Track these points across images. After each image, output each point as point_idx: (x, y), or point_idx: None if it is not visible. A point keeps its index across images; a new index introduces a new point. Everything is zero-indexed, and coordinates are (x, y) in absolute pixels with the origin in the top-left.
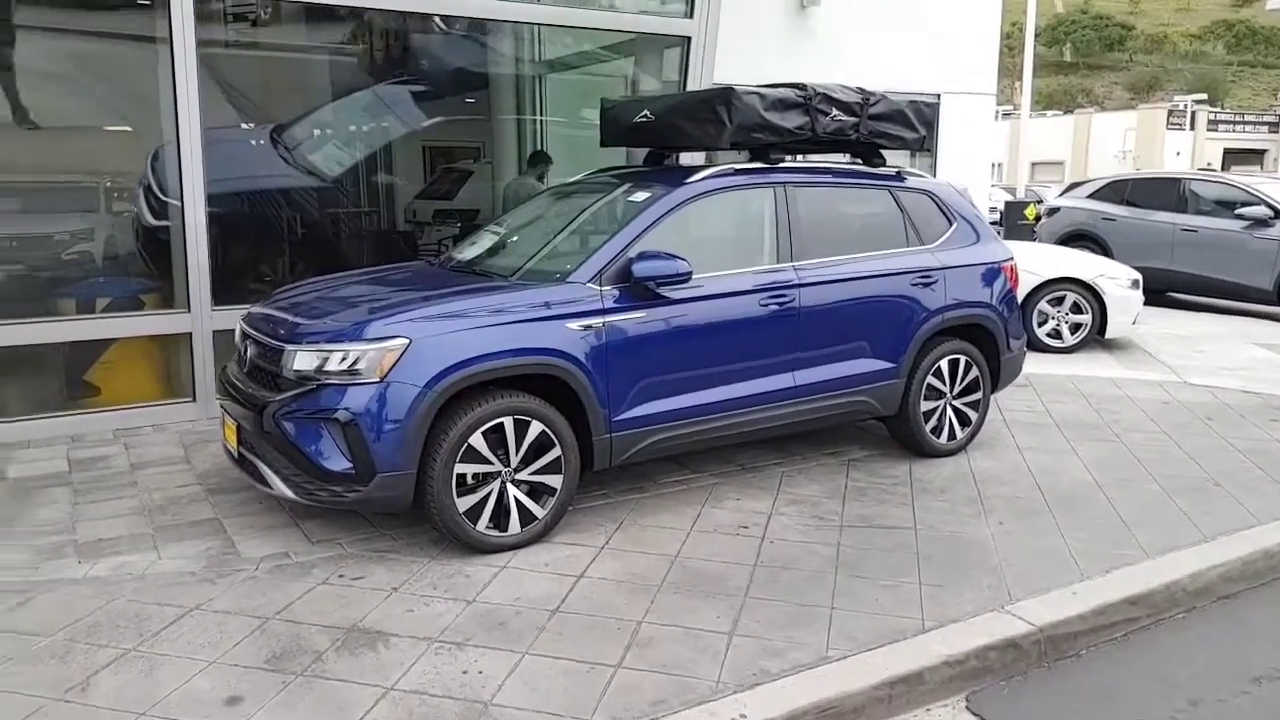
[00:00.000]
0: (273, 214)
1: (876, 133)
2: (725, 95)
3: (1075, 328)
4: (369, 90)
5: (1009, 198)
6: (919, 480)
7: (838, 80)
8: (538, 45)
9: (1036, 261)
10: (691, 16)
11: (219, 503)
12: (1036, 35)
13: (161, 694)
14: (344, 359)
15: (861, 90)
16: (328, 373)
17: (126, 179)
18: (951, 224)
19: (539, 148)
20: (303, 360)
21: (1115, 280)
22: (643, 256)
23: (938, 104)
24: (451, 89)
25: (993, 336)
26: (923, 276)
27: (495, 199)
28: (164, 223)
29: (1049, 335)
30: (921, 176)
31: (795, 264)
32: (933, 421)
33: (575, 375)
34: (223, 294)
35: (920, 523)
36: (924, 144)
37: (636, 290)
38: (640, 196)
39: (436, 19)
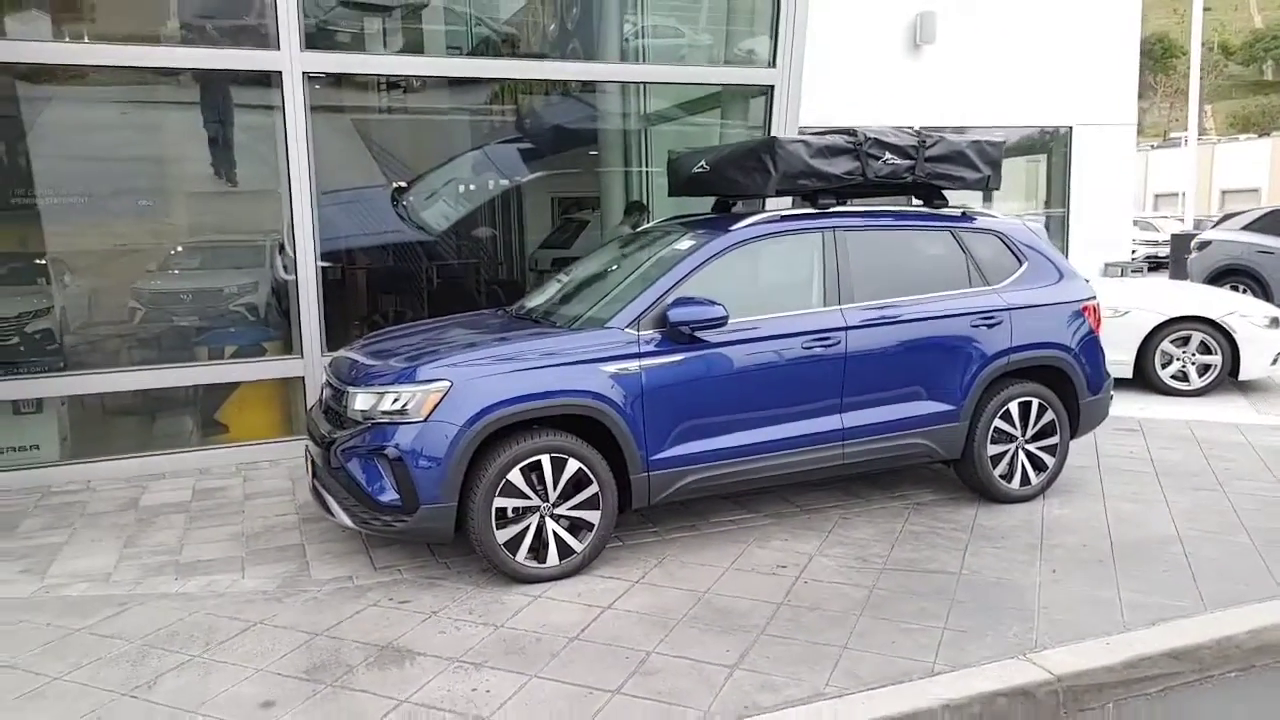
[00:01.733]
0: (401, 266)
1: (936, 174)
2: (770, 145)
3: (1204, 369)
4: (495, 147)
5: (1180, 229)
6: (981, 526)
7: (956, 117)
8: (642, 100)
9: (1158, 299)
10: (774, 66)
11: (308, 531)
12: (1230, 54)
13: (210, 695)
14: (395, 400)
15: (919, 132)
16: (382, 412)
17: (271, 238)
18: (1022, 263)
19: (636, 198)
20: (361, 401)
21: (1248, 318)
22: (678, 302)
23: (1002, 143)
24: (571, 144)
25: (1069, 379)
26: (984, 317)
27: None
28: (290, 277)
29: (1173, 377)
30: (991, 216)
31: (843, 307)
32: (1002, 466)
33: (610, 416)
34: (341, 341)
35: (966, 568)
36: (988, 183)
37: (673, 335)
38: (685, 245)
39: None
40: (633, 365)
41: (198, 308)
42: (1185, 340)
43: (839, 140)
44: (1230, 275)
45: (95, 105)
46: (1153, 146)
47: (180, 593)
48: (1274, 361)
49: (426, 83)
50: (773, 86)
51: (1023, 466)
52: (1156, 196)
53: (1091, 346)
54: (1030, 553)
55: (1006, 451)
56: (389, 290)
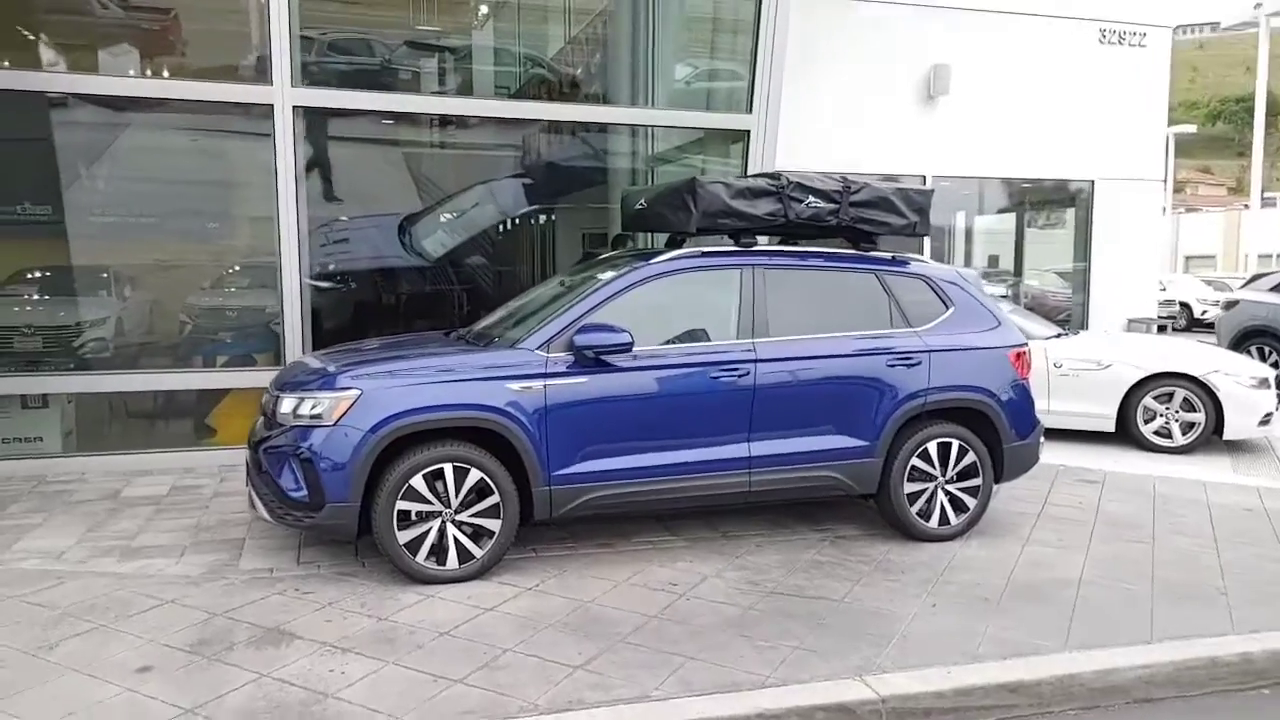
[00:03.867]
0: (432, 289)
1: (860, 219)
2: (690, 185)
3: (1188, 427)
4: (504, 183)
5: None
6: (889, 561)
7: (970, 168)
8: (649, 141)
9: (1141, 354)
10: (750, 112)
11: (254, 528)
12: None
13: (99, 659)
14: (313, 405)
15: (844, 179)
16: (300, 416)
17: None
18: (948, 308)
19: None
20: (286, 405)
21: (1233, 377)
22: (585, 328)
23: (931, 192)
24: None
25: (990, 422)
26: (901, 357)
27: None
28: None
29: (1156, 433)
30: (922, 261)
31: (755, 340)
32: (920, 504)
33: (512, 430)
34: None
35: (851, 596)
36: (915, 229)
37: (581, 358)
38: (608, 275)
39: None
40: (537, 384)
41: (240, 323)
42: (1170, 396)
43: (761, 182)
44: (1256, 336)
45: (164, 132)
46: (1183, 210)
47: (115, 572)
48: (1262, 422)
49: (467, 121)
50: (749, 131)
51: (942, 506)
52: (1187, 259)
53: (1017, 392)
54: (922, 587)
55: (925, 490)
56: (423, 315)
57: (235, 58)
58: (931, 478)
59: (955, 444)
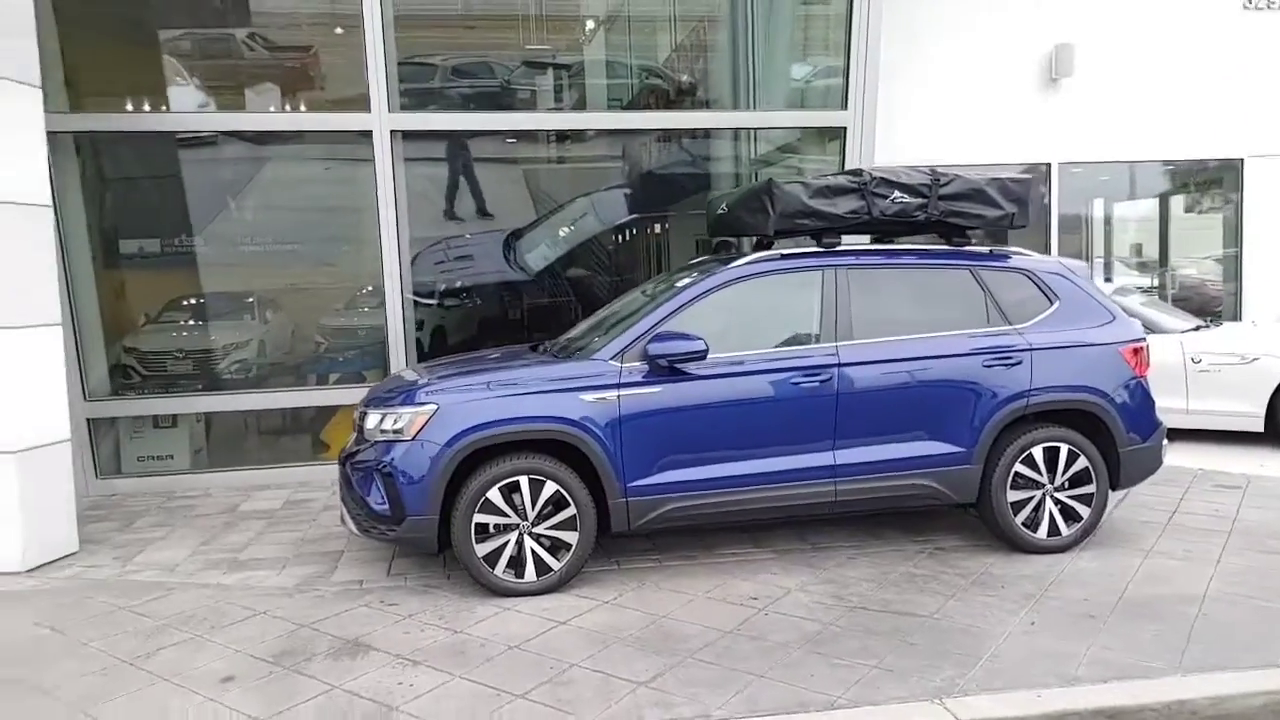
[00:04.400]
0: (499, 301)
1: (951, 212)
2: (767, 186)
3: None
4: (607, 194)
5: None
6: (989, 574)
7: (1097, 153)
8: (751, 145)
9: None
10: (846, 108)
11: (354, 540)
12: None
13: (188, 668)
14: (394, 420)
15: (933, 171)
16: (384, 431)
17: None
18: (1052, 303)
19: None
20: (371, 420)
21: None
22: (658, 337)
23: (1029, 180)
24: (701, 187)
25: (1103, 425)
26: (1000, 357)
27: None
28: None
29: None
30: (1024, 254)
31: (839, 344)
32: (1025, 513)
33: (585, 442)
34: None
35: (941, 613)
36: (1013, 221)
37: (655, 367)
38: (683, 282)
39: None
40: (610, 395)
41: (365, 341)
42: None
43: (841, 180)
44: None
45: (291, 163)
46: None
47: (219, 584)
48: None
49: (584, 135)
50: (845, 128)
51: (1051, 515)
52: None
53: (1133, 390)
54: (1022, 602)
55: (1031, 498)
56: (533, 327)
57: (345, 88)
58: (1039, 485)
59: (1064, 448)
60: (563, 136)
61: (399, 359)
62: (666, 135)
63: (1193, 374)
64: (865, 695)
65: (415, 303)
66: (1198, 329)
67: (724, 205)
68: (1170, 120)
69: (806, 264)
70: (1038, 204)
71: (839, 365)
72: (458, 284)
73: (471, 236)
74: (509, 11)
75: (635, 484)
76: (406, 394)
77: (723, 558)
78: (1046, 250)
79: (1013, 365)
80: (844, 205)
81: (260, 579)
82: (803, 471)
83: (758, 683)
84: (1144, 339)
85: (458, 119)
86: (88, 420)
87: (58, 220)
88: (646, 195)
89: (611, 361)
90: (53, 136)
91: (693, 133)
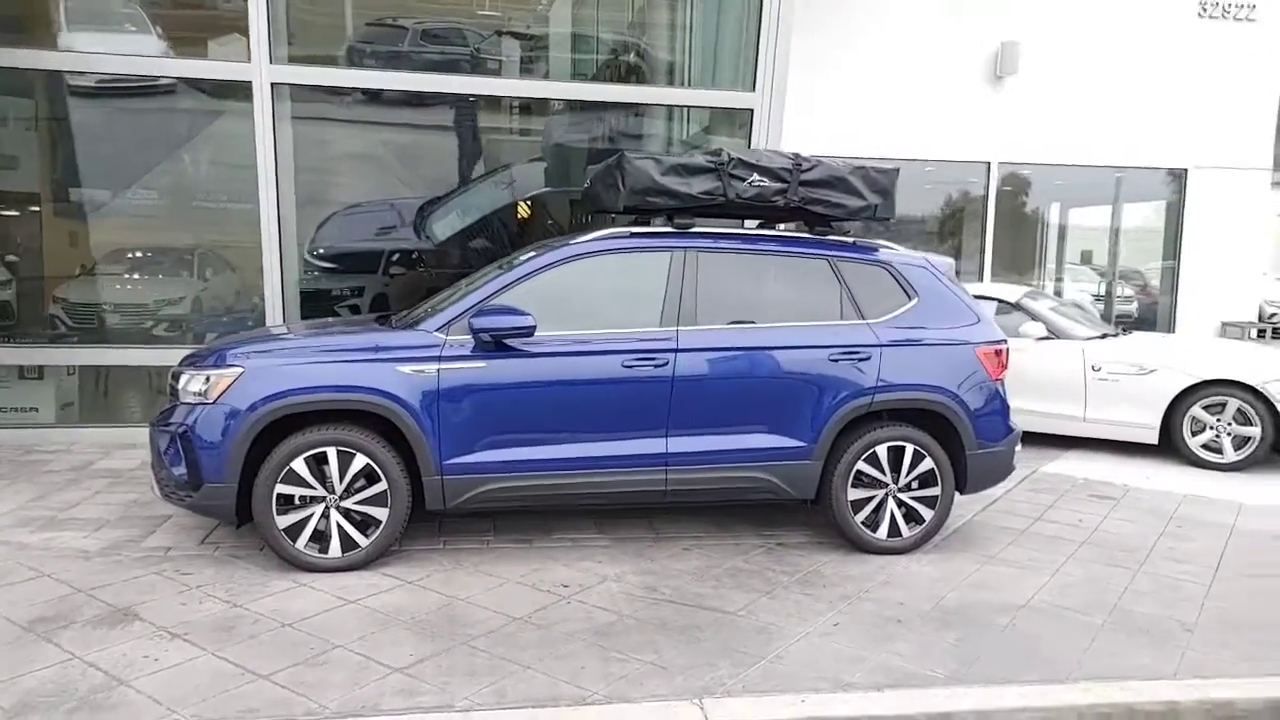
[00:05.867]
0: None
1: (811, 199)
2: (618, 161)
3: (1242, 441)
4: (526, 166)
5: None
6: (817, 573)
7: (1041, 154)
8: (682, 125)
9: (1191, 358)
10: (754, 90)
11: None
12: None
13: None
14: (201, 381)
15: (796, 156)
16: (189, 392)
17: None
18: (910, 299)
19: None
20: (182, 381)
21: None
22: (483, 311)
23: (895, 172)
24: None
25: (952, 426)
26: (846, 351)
27: None
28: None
29: (1205, 448)
30: (891, 249)
31: (679, 329)
32: (865, 513)
33: (399, 415)
34: None
35: (747, 610)
36: (876, 212)
37: (481, 341)
38: (526, 256)
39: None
40: (429, 368)
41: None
42: (1222, 407)
43: (698, 159)
44: None
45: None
46: None
47: (20, 542)
48: None
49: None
50: (752, 110)
51: (892, 516)
52: None
53: (986, 393)
54: (835, 603)
55: (873, 498)
56: (422, 297)
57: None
58: (882, 485)
59: (909, 448)
60: (481, 104)
61: (276, 321)
62: (584, 108)
63: (1092, 382)
64: (625, 691)
65: (312, 266)
66: (1104, 337)
67: (588, 180)
68: (1117, 125)
69: (653, 244)
70: (894, 197)
71: (676, 350)
72: (362, 249)
73: (385, 202)
74: None
75: (452, 461)
76: (217, 355)
77: (557, 542)
78: (980, 252)
79: (860, 360)
80: (699, 185)
81: (67, 540)
82: (632, 458)
83: (519, 674)
84: (1003, 342)
85: (340, 75)
86: None
87: None
88: (559, 169)
89: (437, 333)
90: None
91: (614, 108)
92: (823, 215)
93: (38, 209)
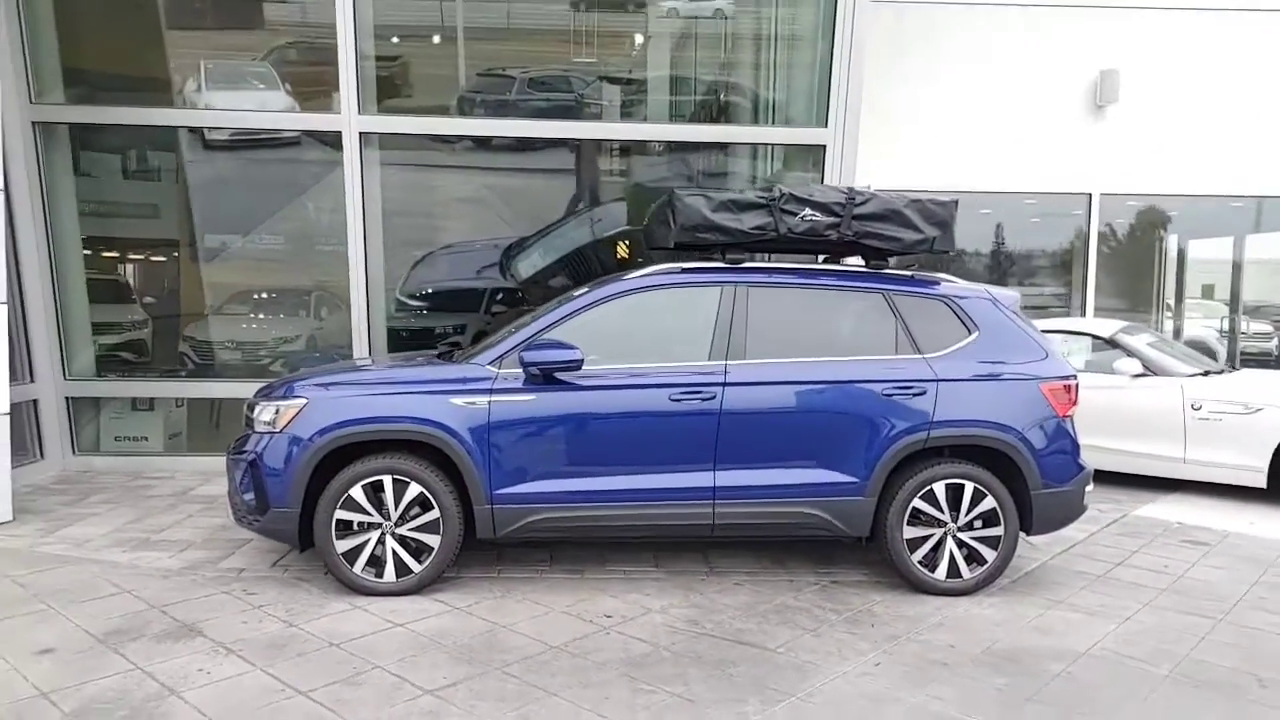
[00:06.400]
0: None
1: (865, 233)
2: (669, 198)
3: None
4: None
5: None
6: (869, 612)
7: (1145, 184)
8: (767, 162)
9: None
10: (826, 126)
11: None
12: None
13: (20, 637)
14: (271, 412)
15: (850, 190)
16: (261, 422)
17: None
18: (971, 333)
19: None
20: (255, 411)
21: None
22: (532, 345)
23: (954, 204)
24: None
25: (1014, 464)
26: (901, 387)
27: None
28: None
29: None
30: (953, 283)
31: (728, 363)
32: (922, 552)
33: (451, 445)
34: None
35: (787, 647)
36: (933, 245)
37: (531, 375)
38: (580, 292)
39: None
40: (482, 400)
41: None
42: None
43: (749, 195)
44: None
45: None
46: None
47: (110, 561)
48: None
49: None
50: (825, 146)
51: (951, 556)
52: None
53: (1052, 430)
54: (881, 644)
55: (930, 536)
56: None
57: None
58: (940, 523)
59: (969, 486)
60: (569, 147)
61: (360, 349)
62: (669, 149)
63: (1192, 421)
64: None
65: (404, 305)
66: (1206, 374)
67: (648, 219)
68: (1233, 152)
69: (705, 279)
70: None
71: (724, 384)
72: (464, 288)
73: (490, 242)
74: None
75: (502, 491)
76: (287, 387)
77: (610, 574)
78: (1083, 287)
79: (914, 395)
80: (750, 221)
81: (152, 559)
82: (679, 491)
83: (546, 700)
84: (1072, 377)
85: (424, 123)
86: (67, 399)
87: (44, 207)
88: (638, 208)
89: (489, 367)
90: (47, 127)
91: (695, 147)
92: (879, 249)
93: (174, 254)
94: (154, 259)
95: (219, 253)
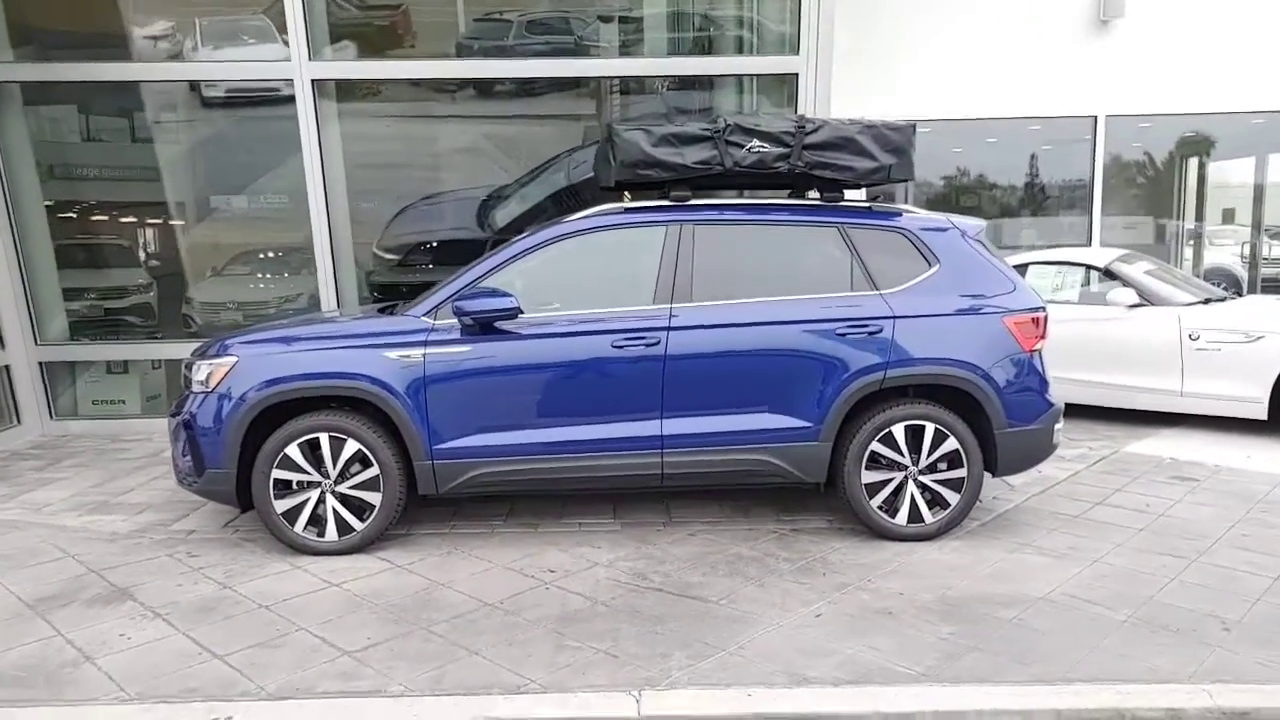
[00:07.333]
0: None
1: (818, 164)
2: (608, 133)
3: None
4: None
5: None
6: (823, 561)
7: (1153, 104)
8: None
9: None
10: (798, 53)
11: None
12: None
13: None
14: (205, 371)
15: (801, 117)
16: (196, 382)
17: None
18: (931, 266)
19: None
20: (190, 370)
21: None
22: (465, 294)
23: (910, 128)
24: None
25: (977, 403)
26: (854, 325)
27: None
28: None
29: None
30: (913, 213)
31: (673, 306)
32: (882, 496)
33: (387, 400)
34: None
35: (728, 598)
36: (891, 174)
37: (468, 325)
38: (519, 238)
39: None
40: (415, 353)
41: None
42: None
43: (692, 127)
44: None
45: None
46: None
47: (62, 525)
48: None
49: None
50: (797, 74)
51: (913, 500)
52: None
53: (1017, 367)
54: (828, 593)
55: (890, 480)
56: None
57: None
58: (900, 466)
59: (930, 427)
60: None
61: (329, 300)
62: (642, 87)
63: (1189, 352)
64: (565, 680)
65: (380, 260)
66: (1206, 302)
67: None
68: (1226, 67)
69: (647, 219)
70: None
71: (669, 329)
72: (424, 243)
73: (445, 196)
74: None
75: (443, 446)
76: (220, 345)
77: (565, 527)
78: (1089, 214)
79: (870, 334)
80: (693, 155)
81: (105, 523)
82: (626, 441)
83: (466, 660)
84: (1040, 309)
85: (377, 67)
86: (41, 364)
87: (1, 171)
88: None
89: (424, 318)
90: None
91: (677, 84)
92: (833, 181)
93: (174, 217)
94: (123, 220)
95: (218, 213)
